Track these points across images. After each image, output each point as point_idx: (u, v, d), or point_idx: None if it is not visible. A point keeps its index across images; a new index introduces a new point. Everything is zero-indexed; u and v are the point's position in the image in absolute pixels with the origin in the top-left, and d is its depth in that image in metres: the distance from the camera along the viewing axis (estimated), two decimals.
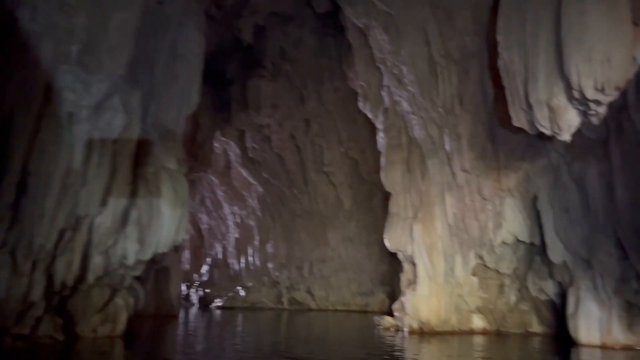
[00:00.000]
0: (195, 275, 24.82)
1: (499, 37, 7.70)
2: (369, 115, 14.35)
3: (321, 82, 19.24)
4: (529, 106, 7.07)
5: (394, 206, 12.61)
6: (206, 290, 22.83)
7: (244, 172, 21.08)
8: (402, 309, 12.04)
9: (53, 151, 7.51)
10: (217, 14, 17.81)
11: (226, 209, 23.12)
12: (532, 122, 7.19)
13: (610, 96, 6.26)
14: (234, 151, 21.03)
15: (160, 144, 9.61)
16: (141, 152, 9.23)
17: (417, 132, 12.01)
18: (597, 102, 6.38)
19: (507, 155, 10.75)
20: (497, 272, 11.77)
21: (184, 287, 23.14)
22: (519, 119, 7.47)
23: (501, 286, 11.85)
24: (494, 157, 10.89)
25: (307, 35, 19.08)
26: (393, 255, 18.10)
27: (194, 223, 25.17)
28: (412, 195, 12.20)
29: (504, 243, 11.34)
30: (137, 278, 11.38)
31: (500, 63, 7.68)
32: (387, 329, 12.38)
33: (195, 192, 23.40)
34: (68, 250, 8.10)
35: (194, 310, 19.80)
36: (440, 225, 11.56)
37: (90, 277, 8.63)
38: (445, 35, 10.81)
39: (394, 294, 18.71)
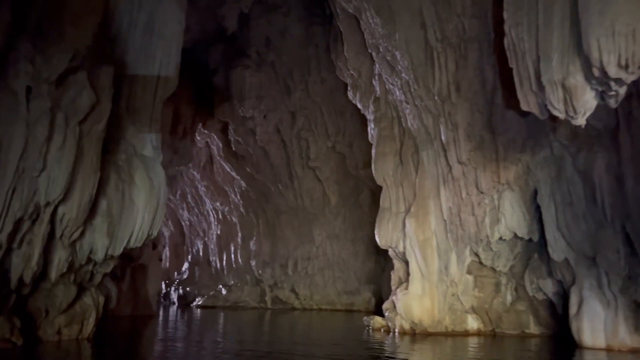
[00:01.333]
0: (175, 273, 24.13)
1: (506, 14, 7.03)
2: (359, 105, 13.69)
3: (308, 73, 18.58)
4: (541, 88, 6.44)
5: (385, 200, 11.97)
6: (187, 289, 22.16)
7: (227, 167, 20.34)
8: (393, 308, 11.41)
9: (7, 130, 6.62)
10: (200, 1, 17.08)
11: (208, 204, 22.37)
12: (543, 105, 6.56)
13: (634, 74, 5.64)
14: (216, 144, 20.29)
15: (133, 129, 8.78)
16: (112, 136, 8.40)
17: (411, 122, 11.38)
18: (619, 81, 5.77)
19: (506, 147, 10.16)
20: (493, 270, 11.18)
21: (163, 286, 22.44)
22: (528, 103, 6.83)
23: (497, 285, 11.26)
24: (493, 148, 10.28)
25: (294, 24, 18.40)
26: (379, 253, 17.56)
27: (175, 219, 24.41)
28: (405, 188, 11.56)
29: (501, 239, 10.75)
30: (111, 275, 10.58)
31: (507, 42, 7.03)
32: (377, 329, 11.75)
33: (176, 187, 22.66)
34: (26, 243, 7.20)
35: (173, 310, 19.05)
36: (434, 220, 10.93)
37: (53, 274, 7.77)
38: (443, 18, 10.16)
39: (380, 293, 18.17)
